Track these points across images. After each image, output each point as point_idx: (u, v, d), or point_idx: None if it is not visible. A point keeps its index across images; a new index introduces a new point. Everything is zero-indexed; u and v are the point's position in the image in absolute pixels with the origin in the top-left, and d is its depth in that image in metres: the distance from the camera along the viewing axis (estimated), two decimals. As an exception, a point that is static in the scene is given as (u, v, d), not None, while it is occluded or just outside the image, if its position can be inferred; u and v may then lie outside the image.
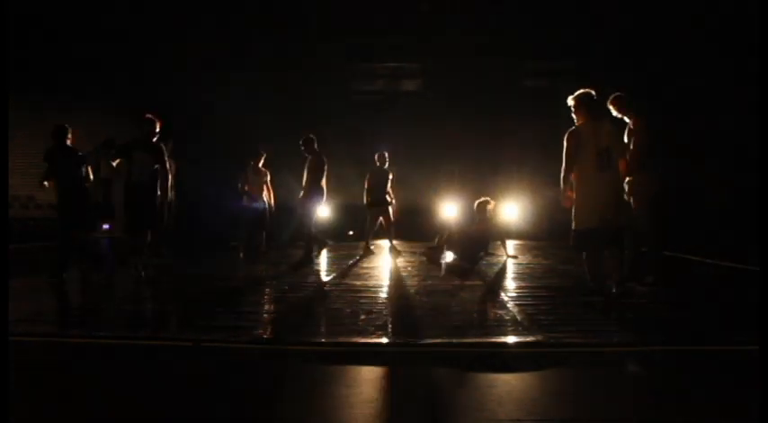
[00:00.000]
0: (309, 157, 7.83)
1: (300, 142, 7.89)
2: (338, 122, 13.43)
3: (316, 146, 7.91)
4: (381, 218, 8.68)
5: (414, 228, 11.59)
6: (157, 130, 6.20)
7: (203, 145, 13.13)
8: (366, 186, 8.60)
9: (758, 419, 2.00)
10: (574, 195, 4.63)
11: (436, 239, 8.24)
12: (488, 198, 8.25)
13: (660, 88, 13.63)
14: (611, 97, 5.26)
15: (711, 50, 13.50)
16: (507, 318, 3.89)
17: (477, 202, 8.24)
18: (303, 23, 14.43)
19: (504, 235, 8.73)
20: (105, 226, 14.46)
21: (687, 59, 13.69)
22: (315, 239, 8.08)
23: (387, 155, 8.72)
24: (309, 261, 7.66)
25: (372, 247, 8.80)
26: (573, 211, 4.63)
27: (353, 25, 14.49)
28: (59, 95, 14.76)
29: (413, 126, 14.08)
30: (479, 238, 7.88)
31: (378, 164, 8.63)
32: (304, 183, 7.77)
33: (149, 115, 6.22)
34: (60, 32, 14.53)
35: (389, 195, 8.69)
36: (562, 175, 4.63)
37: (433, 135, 13.80)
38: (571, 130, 4.66)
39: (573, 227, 4.64)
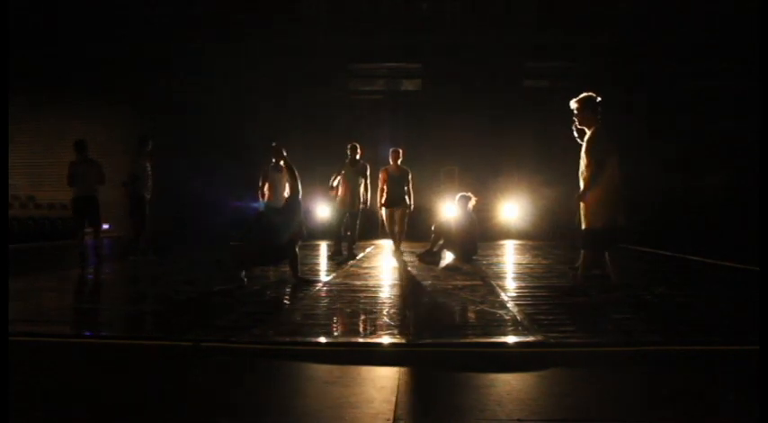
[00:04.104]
0: (361, 164, 8.13)
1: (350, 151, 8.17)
2: (338, 122, 13.43)
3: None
4: (396, 219, 8.28)
5: (414, 228, 11.61)
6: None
7: (203, 145, 13.15)
8: (380, 186, 8.25)
9: (758, 419, 2.00)
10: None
11: (431, 242, 8.12)
12: (470, 193, 8.18)
13: (660, 89, 13.64)
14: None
15: (710, 51, 13.49)
16: (507, 318, 3.89)
17: (458, 195, 8.19)
18: (303, 23, 14.43)
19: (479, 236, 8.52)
20: (105, 226, 14.48)
21: (687, 60, 13.68)
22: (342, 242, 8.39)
23: (401, 152, 8.32)
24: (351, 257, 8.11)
25: (368, 249, 8.73)
26: (598, 208, 4.55)
27: (353, 25, 14.49)
28: (59, 95, 14.77)
29: (413, 126, 14.08)
30: (467, 234, 7.85)
31: (392, 162, 8.28)
32: (365, 190, 8.14)
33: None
34: (59, 33, 14.52)
35: (408, 197, 8.26)
36: (598, 170, 4.46)
37: (433, 135, 13.81)
38: (599, 127, 4.60)
39: (600, 225, 4.55)
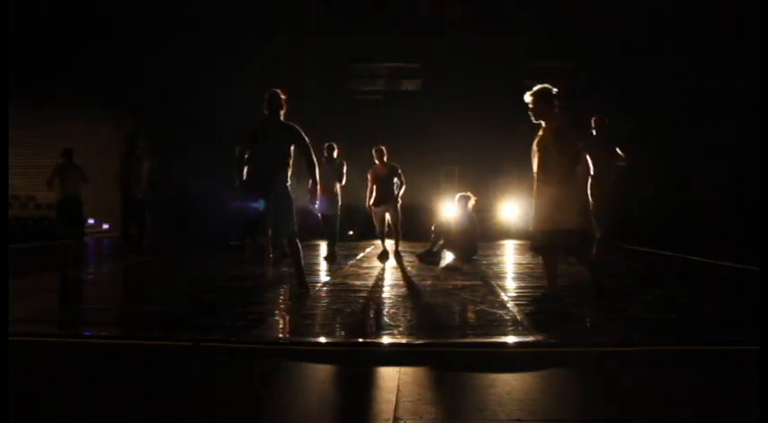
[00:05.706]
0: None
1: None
2: (338, 122, 13.42)
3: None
4: (389, 217, 8.05)
5: (414, 228, 11.58)
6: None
7: (203, 144, 13.15)
8: (369, 186, 8.07)
9: (758, 419, 2.00)
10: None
11: (431, 242, 8.09)
12: (470, 193, 8.19)
13: (660, 89, 13.64)
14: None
15: (710, 51, 13.49)
16: (507, 318, 3.89)
17: (457, 195, 8.22)
18: (303, 23, 14.43)
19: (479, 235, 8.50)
20: (105, 226, 14.48)
21: (687, 60, 13.68)
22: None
23: (384, 149, 8.05)
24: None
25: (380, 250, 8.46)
26: (583, 208, 4.31)
27: (354, 25, 14.49)
28: (60, 95, 14.77)
29: (413, 126, 14.08)
30: (467, 234, 7.86)
31: (377, 162, 8.05)
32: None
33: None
34: (59, 33, 14.51)
35: (398, 189, 7.93)
36: (575, 165, 4.24)
37: (433, 135, 13.81)
38: (563, 120, 4.36)
39: (582, 225, 4.30)
